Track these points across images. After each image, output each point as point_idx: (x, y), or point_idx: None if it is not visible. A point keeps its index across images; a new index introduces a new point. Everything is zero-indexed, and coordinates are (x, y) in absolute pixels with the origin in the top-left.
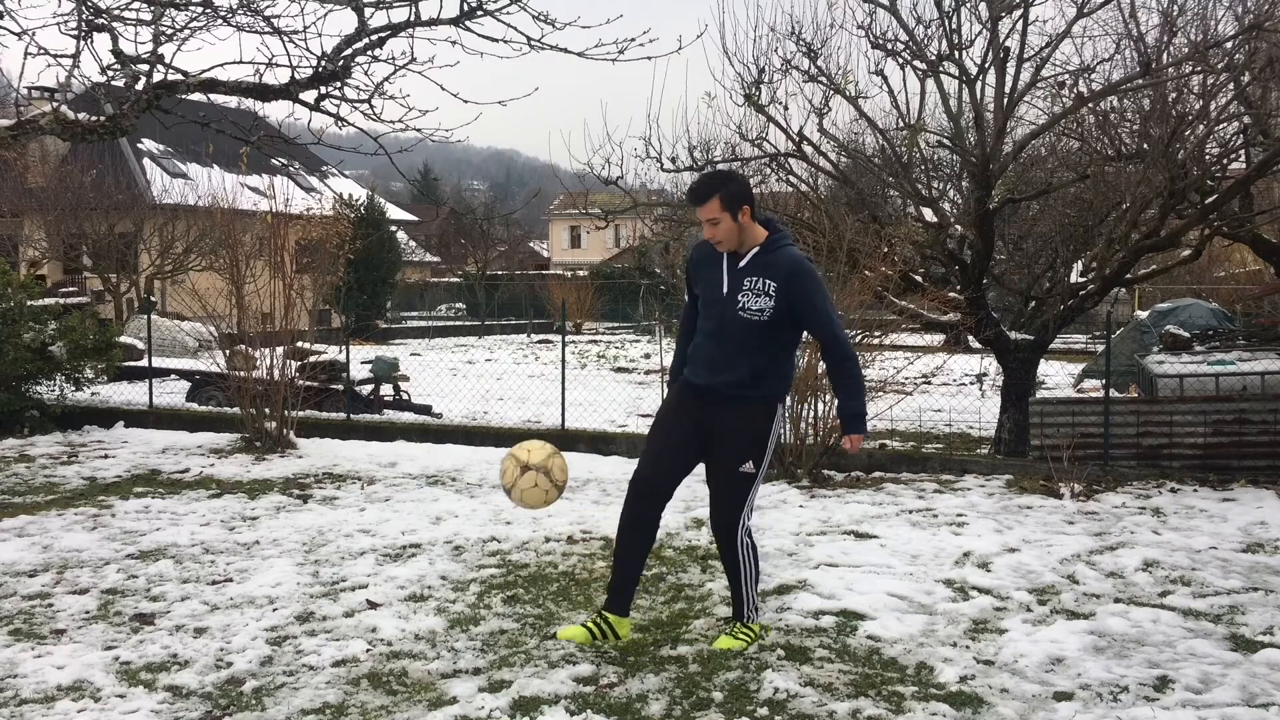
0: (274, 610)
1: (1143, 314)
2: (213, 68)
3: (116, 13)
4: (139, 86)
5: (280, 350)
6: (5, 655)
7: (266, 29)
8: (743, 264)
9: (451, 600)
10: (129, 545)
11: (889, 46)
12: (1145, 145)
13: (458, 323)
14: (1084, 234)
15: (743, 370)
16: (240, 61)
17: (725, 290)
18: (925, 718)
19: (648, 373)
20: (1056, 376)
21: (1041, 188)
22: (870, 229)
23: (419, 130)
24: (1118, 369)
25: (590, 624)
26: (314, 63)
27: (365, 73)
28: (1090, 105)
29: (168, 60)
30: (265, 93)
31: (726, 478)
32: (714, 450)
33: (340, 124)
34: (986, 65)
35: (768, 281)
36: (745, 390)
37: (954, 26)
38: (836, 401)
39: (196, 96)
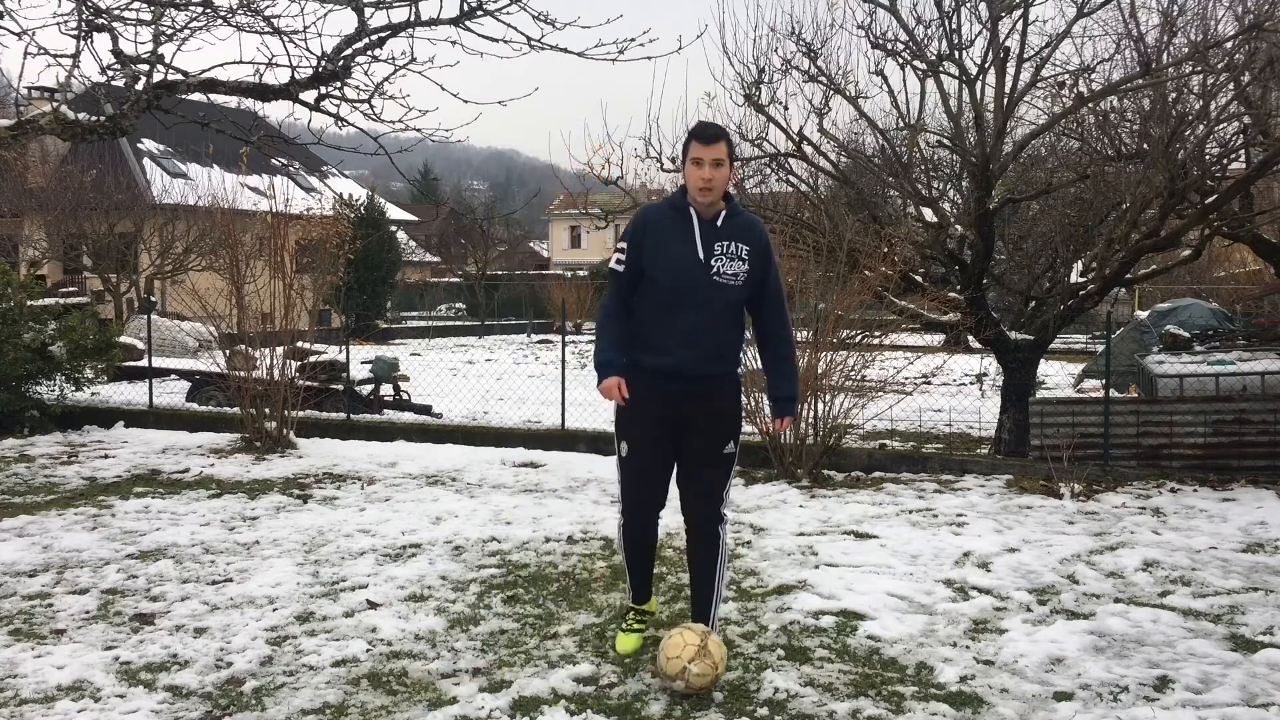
0: (274, 610)
1: (1143, 314)
2: (213, 68)
3: (116, 13)
4: (139, 86)
5: (280, 350)
6: (5, 655)
7: (266, 29)
8: (719, 224)
9: (451, 600)
10: (129, 545)
11: (889, 46)
12: (1145, 145)
13: (458, 323)
14: (1084, 234)
15: (719, 342)
16: (240, 61)
17: (701, 255)
18: (925, 718)
19: None
20: (1056, 376)
21: (1041, 188)
22: (870, 229)
23: (419, 130)
24: (1118, 369)
25: (632, 625)
26: (314, 63)
27: (365, 73)
28: (1090, 105)
29: (168, 60)
30: (265, 93)
31: (712, 462)
32: (692, 437)
33: (340, 124)
34: (986, 65)
35: (740, 245)
36: (723, 366)
37: (954, 26)
38: (775, 386)
39: (196, 96)
